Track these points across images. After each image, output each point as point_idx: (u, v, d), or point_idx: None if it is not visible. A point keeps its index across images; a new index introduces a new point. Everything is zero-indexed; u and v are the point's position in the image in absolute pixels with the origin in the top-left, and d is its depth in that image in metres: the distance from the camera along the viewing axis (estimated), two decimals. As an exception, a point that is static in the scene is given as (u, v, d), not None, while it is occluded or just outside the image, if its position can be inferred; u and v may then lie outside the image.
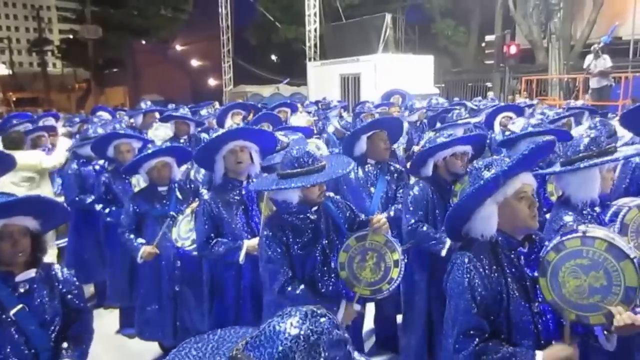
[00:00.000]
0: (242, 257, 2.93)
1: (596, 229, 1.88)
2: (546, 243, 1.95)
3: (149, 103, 7.06)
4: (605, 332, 1.83)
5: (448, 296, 1.93)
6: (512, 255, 1.93)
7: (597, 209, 2.43)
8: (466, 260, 1.87)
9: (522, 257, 1.94)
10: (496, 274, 1.86)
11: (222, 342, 1.20)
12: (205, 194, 3.40)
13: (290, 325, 0.99)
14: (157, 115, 6.61)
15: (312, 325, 1.00)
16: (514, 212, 1.89)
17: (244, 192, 3.10)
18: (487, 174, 1.91)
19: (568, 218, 2.34)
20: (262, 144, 3.18)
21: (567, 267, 1.79)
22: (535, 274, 1.90)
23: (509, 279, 1.87)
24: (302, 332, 0.98)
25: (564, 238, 1.83)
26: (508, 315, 1.85)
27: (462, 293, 1.84)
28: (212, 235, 3.02)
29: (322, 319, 1.02)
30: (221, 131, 3.16)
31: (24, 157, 4.73)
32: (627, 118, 3.78)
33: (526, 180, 1.90)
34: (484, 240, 1.90)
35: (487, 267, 1.86)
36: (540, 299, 1.90)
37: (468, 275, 1.84)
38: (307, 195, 2.49)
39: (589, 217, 2.37)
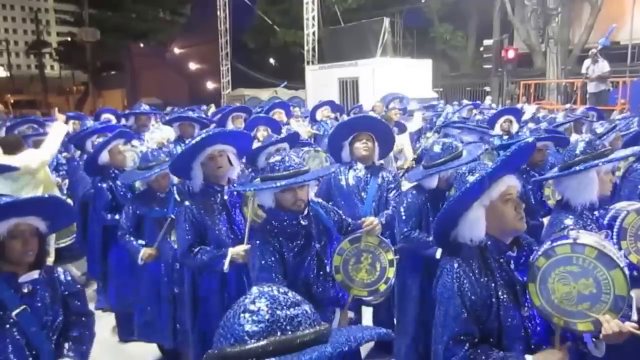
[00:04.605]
0: (226, 266, 2.81)
1: (587, 235, 1.86)
2: (535, 248, 1.94)
3: (145, 106, 7.03)
4: (593, 339, 1.82)
5: (437, 301, 1.92)
6: (502, 260, 1.92)
7: (596, 212, 2.43)
8: (455, 265, 1.86)
9: (511, 262, 1.93)
10: (486, 279, 1.85)
11: None
12: (184, 200, 3.24)
13: (238, 309, 1.04)
14: (152, 118, 6.54)
15: (256, 303, 1.03)
16: (500, 214, 1.88)
17: (225, 197, 3.01)
18: (471, 178, 1.92)
19: (568, 221, 2.34)
20: (239, 145, 3.10)
21: (557, 273, 1.78)
22: (525, 278, 1.88)
23: (499, 284, 1.86)
24: (246, 310, 1.02)
25: (554, 244, 1.81)
26: (499, 319, 1.84)
27: (451, 298, 1.83)
28: (195, 243, 2.91)
29: (266, 297, 1.04)
30: (197, 138, 3.02)
31: (21, 161, 4.61)
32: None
33: (511, 183, 1.90)
34: (472, 245, 1.89)
35: (476, 272, 1.85)
36: (528, 304, 1.89)
37: (458, 281, 1.83)
38: (280, 202, 2.43)
39: (588, 220, 2.37)
